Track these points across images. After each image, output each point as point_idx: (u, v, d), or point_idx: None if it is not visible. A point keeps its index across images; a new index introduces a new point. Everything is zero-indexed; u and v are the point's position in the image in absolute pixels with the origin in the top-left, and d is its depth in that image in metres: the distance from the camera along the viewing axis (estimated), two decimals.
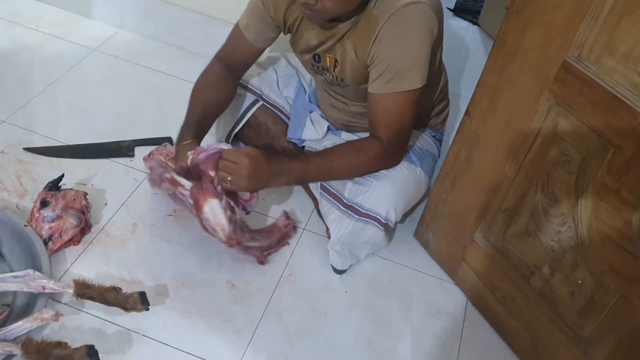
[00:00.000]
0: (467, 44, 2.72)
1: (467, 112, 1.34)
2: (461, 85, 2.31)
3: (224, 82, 1.49)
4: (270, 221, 1.60)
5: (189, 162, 1.33)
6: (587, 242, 1.14)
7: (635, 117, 0.96)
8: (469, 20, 2.91)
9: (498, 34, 1.20)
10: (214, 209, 1.29)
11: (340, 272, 1.51)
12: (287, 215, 1.54)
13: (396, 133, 1.35)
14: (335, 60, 1.39)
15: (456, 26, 2.86)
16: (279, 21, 1.42)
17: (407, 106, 1.31)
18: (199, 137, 1.41)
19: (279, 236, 1.52)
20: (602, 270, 1.13)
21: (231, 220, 1.31)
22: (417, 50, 1.26)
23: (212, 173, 1.29)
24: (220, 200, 1.29)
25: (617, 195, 1.04)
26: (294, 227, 1.58)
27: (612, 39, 0.98)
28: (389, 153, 1.37)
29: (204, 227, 1.34)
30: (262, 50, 1.53)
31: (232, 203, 1.32)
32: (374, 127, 1.36)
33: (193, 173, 1.33)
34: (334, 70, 1.41)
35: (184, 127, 1.43)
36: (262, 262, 1.49)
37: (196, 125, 1.42)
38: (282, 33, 1.48)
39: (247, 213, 1.43)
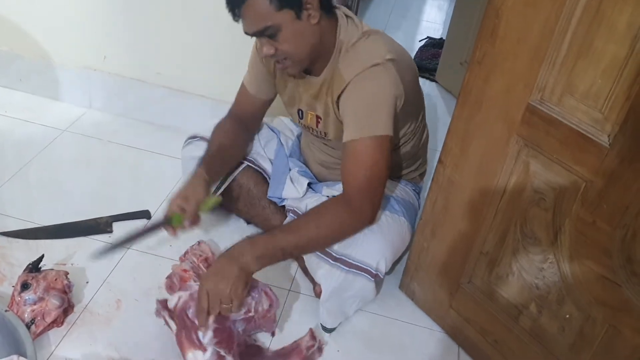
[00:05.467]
0: (426, 100, 2.80)
1: (440, 161, 1.39)
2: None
3: (234, 132, 1.57)
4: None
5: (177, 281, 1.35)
6: (570, 276, 1.17)
7: (601, 150, 1.02)
8: (427, 78, 3.05)
9: (462, 84, 1.26)
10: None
11: (330, 330, 1.51)
12: (312, 335, 1.41)
13: (366, 181, 1.30)
14: (317, 117, 1.46)
15: None
16: (271, 70, 1.50)
17: (375, 152, 1.29)
18: (212, 173, 1.44)
19: None
20: (587, 302, 1.16)
21: None
22: (380, 100, 1.30)
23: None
24: (204, 352, 1.24)
25: (594, 226, 1.08)
26: (320, 349, 1.42)
27: (571, 80, 1.05)
28: (357, 206, 1.31)
29: None
30: (268, 102, 1.60)
31: (222, 352, 1.25)
32: (344, 178, 1.34)
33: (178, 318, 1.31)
34: (316, 126, 1.48)
35: (201, 162, 1.47)
36: None
37: (210, 161, 1.47)
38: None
39: (273, 335, 1.42)
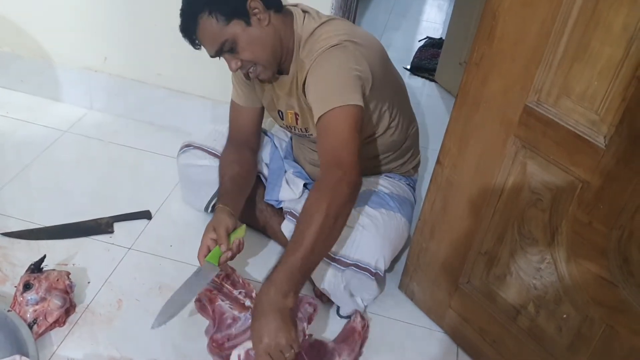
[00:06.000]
0: (425, 100, 2.84)
1: (438, 161, 1.40)
2: (426, 138, 2.40)
3: (240, 160, 1.57)
4: None
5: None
6: (567, 277, 1.18)
7: (597, 151, 1.02)
8: (426, 78, 3.05)
9: (460, 85, 1.27)
10: None
11: (347, 317, 1.53)
12: (361, 315, 1.44)
13: (332, 150, 1.25)
14: (296, 114, 1.47)
15: (414, 84, 2.98)
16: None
17: (341, 121, 1.24)
18: (232, 206, 1.44)
19: (360, 341, 1.41)
20: (585, 302, 1.16)
21: None
22: (341, 74, 1.29)
23: None
24: None
25: (590, 227, 1.08)
26: (368, 327, 1.46)
27: (567, 82, 1.06)
28: (329, 177, 1.23)
29: None
30: (260, 110, 1.61)
31: None
32: (320, 158, 1.30)
33: None
34: (297, 123, 1.49)
35: (218, 199, 1.48)
36: None
37: (227, 195, 1.47)
38: None
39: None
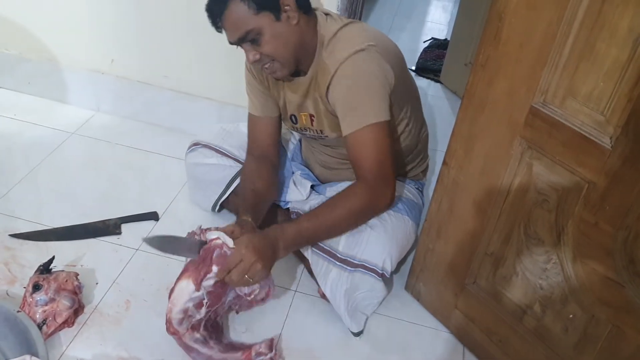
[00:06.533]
0: (431, 101, 2.84)
1: (444, 162, 1.40)
2: (432, 139, 2.39)
3: (260, 171, 1.55)
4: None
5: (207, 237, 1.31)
6: (573, 277, 1.18)
7: (603, 152, 1.03)
8: (431, 79, 3.05)
9: (466, 87, 1.27)
10: (183, 291, 1.27)
11: (358, 334, 1.52)
12: (269, 345, 1.38)
13: (377, 164, 1.33)
14: (311, 116, 1.47)
15: (419, 85, 2.97)
16: (265, 83, 1.52)
17: (379, 137, 1.32)
18: (255, 218, 1.43)
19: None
20: (591, 302, 1.16)
21: (185, 313, 1.28)
22: (371, 85, 1.31)
23: (214, 268, 1.24)
24: (197, 290, 1.26)
25: (596, 228, 1.09)
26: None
27: (573, 83, 1.06)
28: (376, 187, 1.34)
29: (169, 293, 1.31)
30: (278, 120, 1.59)
31: (204, 301, 1.28)
32: (356, 167, 1.36)
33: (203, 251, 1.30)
34: (312, 125, 1.49)
35: (242, 212, 1.45)
36: None
37: (251, 209, 1.45)
38: None
39: (237, 312, 1.42)
